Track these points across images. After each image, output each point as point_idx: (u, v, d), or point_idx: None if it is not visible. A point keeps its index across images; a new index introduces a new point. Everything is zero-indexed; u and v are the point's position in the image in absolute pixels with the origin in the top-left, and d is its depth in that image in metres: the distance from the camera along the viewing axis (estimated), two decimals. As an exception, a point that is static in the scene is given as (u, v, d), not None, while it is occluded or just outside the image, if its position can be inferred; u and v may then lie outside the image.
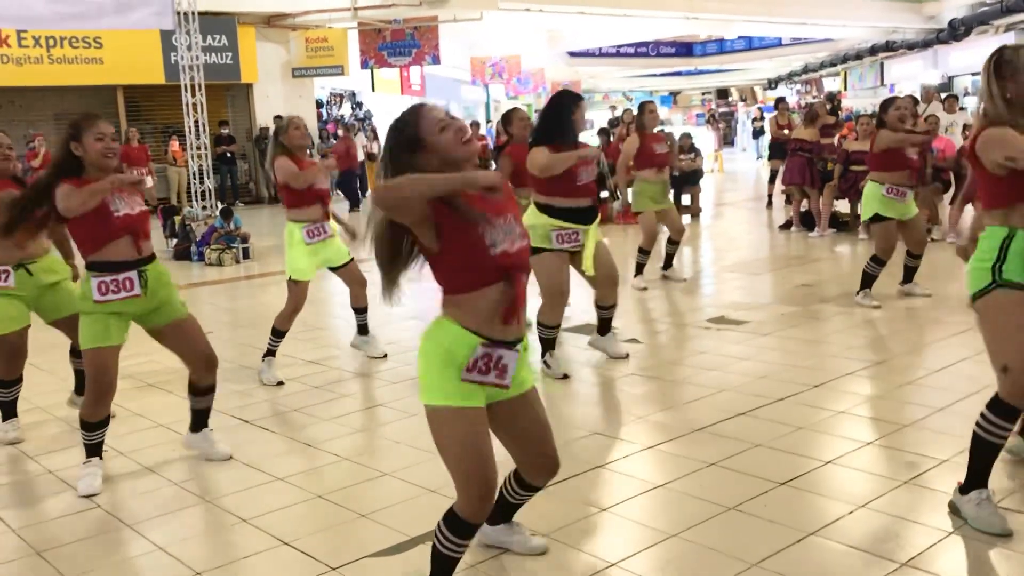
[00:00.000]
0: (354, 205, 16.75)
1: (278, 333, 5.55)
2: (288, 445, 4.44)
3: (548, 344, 5.37)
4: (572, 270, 5.33)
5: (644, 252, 8.09)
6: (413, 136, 2.54)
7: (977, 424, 3.11)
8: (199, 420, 4.25)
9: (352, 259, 5.72)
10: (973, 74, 23.46)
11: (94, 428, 3.97)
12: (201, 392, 4.19)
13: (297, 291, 5.52)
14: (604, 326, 5.68)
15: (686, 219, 13.00)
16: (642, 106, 8.18)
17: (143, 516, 3.62)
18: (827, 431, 4.18)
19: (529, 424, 2.74)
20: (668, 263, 8.36)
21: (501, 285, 2.50)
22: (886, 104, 6.93)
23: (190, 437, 4.29)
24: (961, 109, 13.22)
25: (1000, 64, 3.08)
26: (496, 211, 2.52)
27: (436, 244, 2.47)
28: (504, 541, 3.11)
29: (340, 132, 17.34)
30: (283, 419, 4.87)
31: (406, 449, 4.20)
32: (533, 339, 4.78)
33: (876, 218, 6.72)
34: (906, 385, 4.82)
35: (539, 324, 5.33)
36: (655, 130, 8.11)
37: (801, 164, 11.08)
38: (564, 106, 5.15)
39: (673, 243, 8.29)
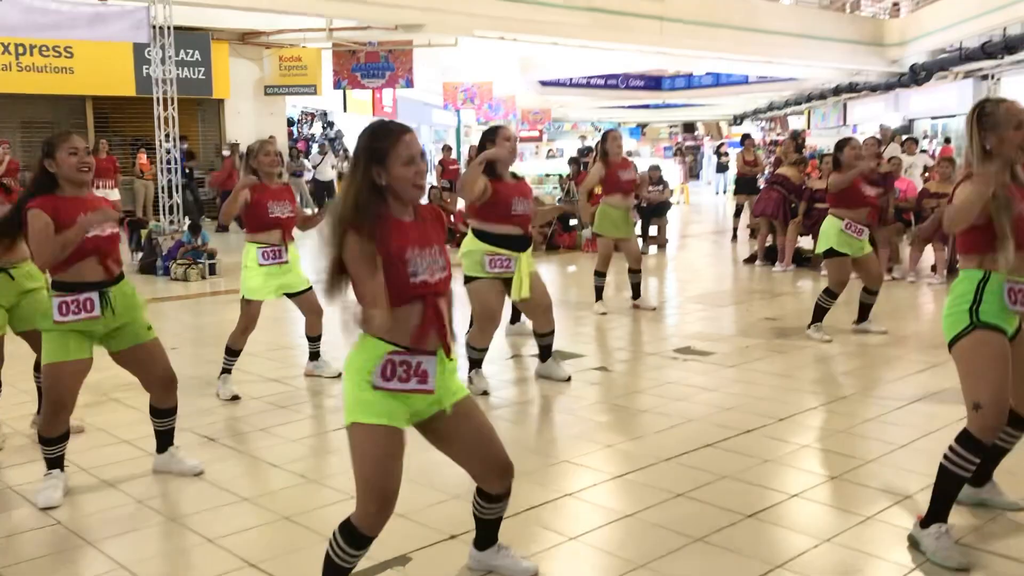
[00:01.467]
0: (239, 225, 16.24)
1: (231, 352, 5.54)
2: (253, 465, 4.40)
3: (475, 363, 5.56)
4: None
5: (599, 275, 8.24)
6: (383, 152, 2.62)
7: (945, 457, 3.20)
8: (164, 440, 4.21)
9: (310, 288, 5.74)
10: (933, 117, 24.05)
11: (53, 443, 3.91)
12: (163, 414, 4.16)
13: (249, 310, 5.53)
14: (545, 353, 5.84)
15: (653, 250, 13.15)
16: (605, 135, 8.33)
17: (104, 534, 3.57)
18: (792, 464, 4.24)
19: (472, 433, 2.80)
20: (636, 293, 8.45)
21: (416, 306, 2.61)
22: (841, 144, 7.11)
23: (158, 459, 4.24)
24: (921, 151, 13.54)
25: (982, 116, 3.24)
26: (423, 242, 2.64)
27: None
28: (494, 565, 3.12)
29: (225, 152, 16.87)
30: (248, 438, 4.83)
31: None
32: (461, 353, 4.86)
33: (830, 252, 6.87)
34: (868, 421, 4.90)
35: (468, 345, 5.53)
36: (622, 156, 8.21)
37: (777, 198, 11.27)
38: (484, 140, 5.38)
39: (635, 272, 8.39)
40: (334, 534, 2.67)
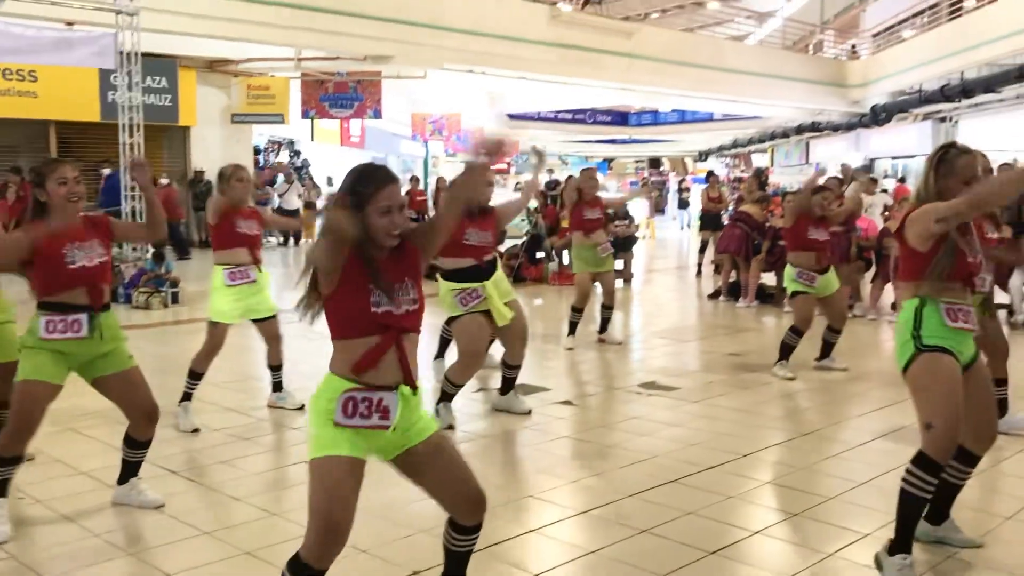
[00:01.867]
0: (182, 254, 15.94)
1: (194, 375, 5.49)
2: (214, 498, 4.34)
3: (446, 396, 5.54)
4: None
5: (576, 311, 8.25)
6: (364, 198, 2.63)
7: (904, 479, 3.29)
8: (128, 471, 4.14)
9: (275, 315, 5.73)
10: (893, 157, 24.55)
11: (5, 463, 3.79)
12: (138, 445, 4.10)
13: (216, 333, 5.50)
14: (507, 385, 5.85)
15: (619, 283, 13.23)
16: (581, 172, 8.42)
17: (61, 568, 3.50)
18: (755, 501, 4.27)
19: (443, 466, 2.79)
20: (603, 327, 8.50)
21: (374, 339, 2.63)
22: (815, 190, 7.25)
23: (118, 491, 4.17)
24: (882, 191, 13.80)
25: (942, 162, 3.40)
26: (394, 277, 2.66)
27: (329, 289, 2.63)
28: None
29: (162, 180, 16.59)
30: (210, 470, 4.77)
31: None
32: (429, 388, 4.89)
33: (796, 292, 7.01)
34: (830, 458, 4.96)
35: (446, 379, 5.53)
36: (594, 195, 8.26)
37: (740, 235, 11.41)
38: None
39: (607, 307, 8.44)
40: (283, 571, 2.64)
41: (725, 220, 14.00)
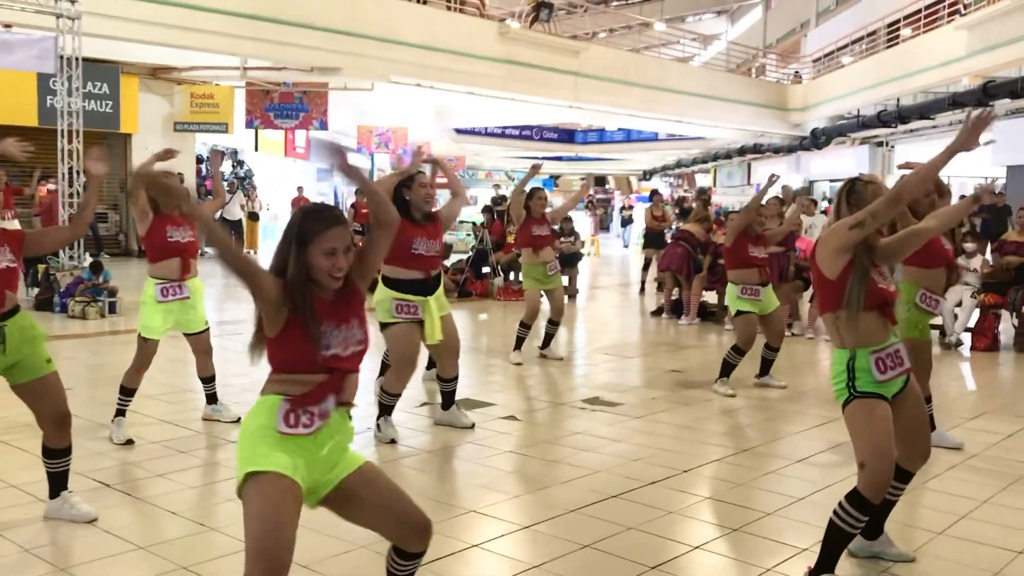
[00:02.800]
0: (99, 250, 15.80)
1: (126, 391, 5.37)
2: (149, 512, 4.25)
3: (385, 410, 5.52)
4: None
5: (524, 326, 8.26)
6: (305, 238, 2.61)
7: (835, 513, 3.33)
8: (57, 484, 4.04)
9: (207, 329, 5.66)
10: (831, 180, 25.14)
11: None
12: (56, 455, 4.00)
13: (146, 348, 5.39)
14: (448, 400, 5.85)
15: (563, 299, 13.28)
16: (532, 192, 8.38)
17: (-13, 584, 3.39)
18: (695, 516, 4.31)
19: (379, 498, 2.71)
20: (546, 343, 8.53)
21: (322, 377, 2.60)
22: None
23: (50, 505, 4.05)
24: (822, 213, 14.11)
25: (851, 193, 3.50)
26: (340, 319, 2.63)
27: (275, 330, 2.59)
28: None
29: (49, 186, 16.14)
30: (144, 484, 4.66)
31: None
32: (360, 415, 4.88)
33: (738, 312, 7.12)
34: (769, 474, 5.03)
35: (382, 390, 5.51)
36: (542, 212, 8.28)
37: (682, 254, 11.55)
38: (400, 186, 5.42)
39: (553, 323, 8.46)
40: None
41: (668, 239, 14.18)
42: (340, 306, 2.66)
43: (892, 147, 22.41)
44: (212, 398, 5.83)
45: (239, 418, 5.70)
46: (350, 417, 2.74)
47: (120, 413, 5.36)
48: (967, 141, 3.22)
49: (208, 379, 5.76)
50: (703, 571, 3.67)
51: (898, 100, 19.44)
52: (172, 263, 5.41)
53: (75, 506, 4.03)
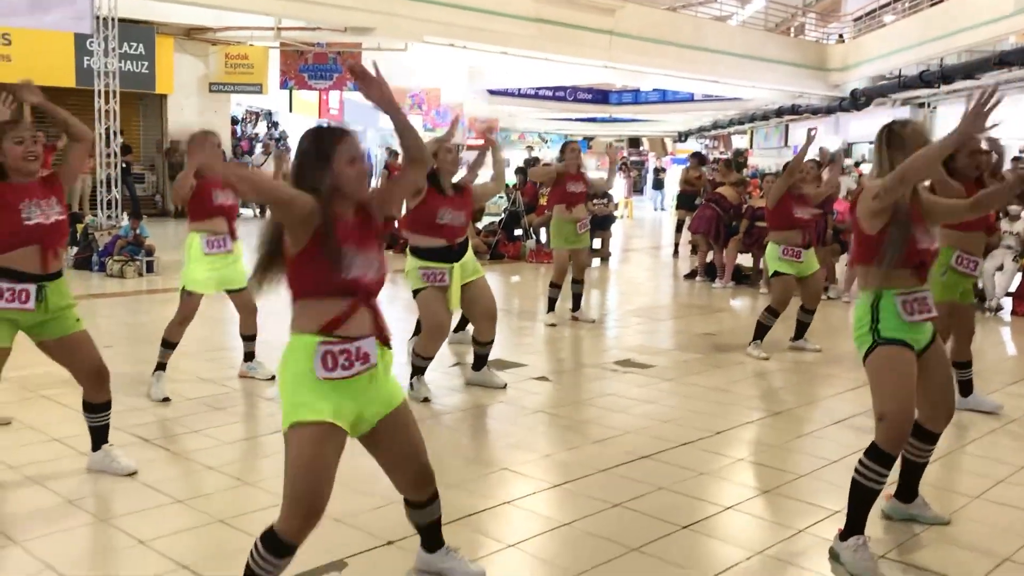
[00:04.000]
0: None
1: (168, 344, 5.47)
2: (187, 466, 4.32)
3: (418, 370, 5.57)
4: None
5: (554, 286, 8.26)
6: (326, 154, 2.63)
7: (856, 471, 3.31)
8: (98, 438, 4.13)
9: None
10: (871, 142, 24.68)
11: None
12: (95, 409, 4.08)
13: (189, 302, 5.47)
14: (480, 361, 5.88)
15: (596, 262, 13.25)
16: (564, 145, 8.38)
17: (32, 533, 3.47)
18: (727, 477, 4.31)
19: (404, 445, 2.81)
20: (576, 304, 8.50)
21: (346, 300, 2.61)
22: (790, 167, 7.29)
23: (92, 457, 4.15)
24: (846, 173, 13.90)
25: (891, 137, 3.38)
26: (362, 245, 2.64)
27: (299, 247, 2.58)
28: (442, 568, 3.11)
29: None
30: (183, 439, 4.74)
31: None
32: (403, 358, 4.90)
33: (776, 273, 7.05)
34: (802, 436, 5.01)
35: (415, 352, 5.57)
36: (576, 168, 8.20)
37: (711, 216, 11.43)
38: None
39: (577, 282, 8.42)
40: (255, 544, 2.60)
41: (699, 201, 14.06)
42: (360, 229, 2.67)
43: (934, 108, 21.93)
44: (250, 356, 5.90)
45: (274, 376, 5.77)
46: (389, 347, 2.75)
47: (160, 367, 5.45)
48: (972, 126, 3.08)
49: (249, 337, 5.84)
50: (735, 531, 3.67)
51: (941, 60, 18.98)
52: (218, 221, 5.49)
53: (116, 459, 4.11)
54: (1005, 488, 4.18)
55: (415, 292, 5.54)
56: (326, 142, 2.64)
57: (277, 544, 2.57)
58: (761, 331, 7.02)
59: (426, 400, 5.45)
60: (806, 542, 3.55)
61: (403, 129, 2.74)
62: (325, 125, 2.77)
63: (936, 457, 4.51)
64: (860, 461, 3.30)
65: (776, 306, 6.98)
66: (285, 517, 2.55)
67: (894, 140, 3.36)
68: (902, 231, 3.26)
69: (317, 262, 2.58)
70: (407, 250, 5.62)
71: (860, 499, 3.31)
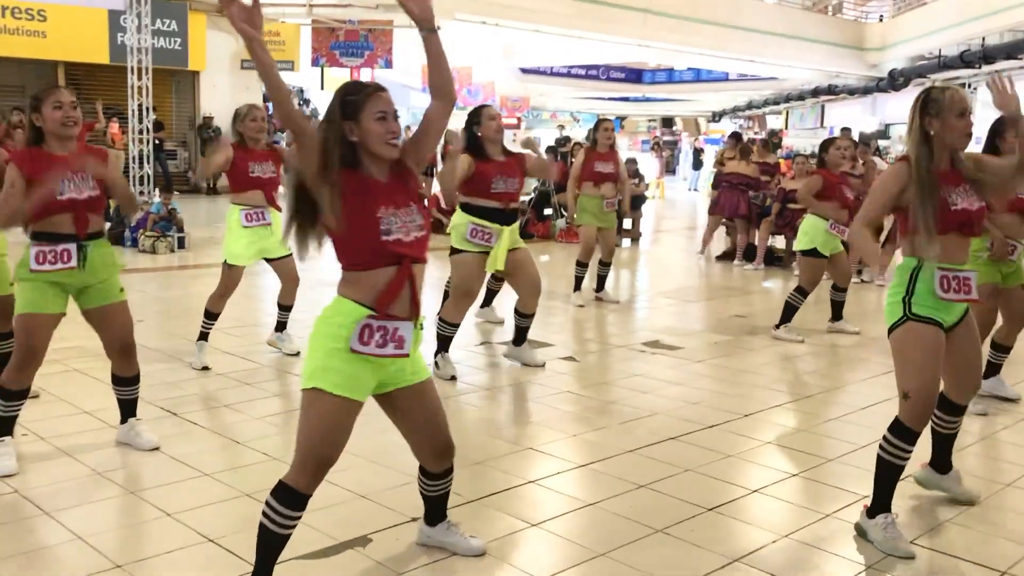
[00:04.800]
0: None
1: (210, 315, 5.57)
2: (216, 440, 4.36)
3: (443, 343, 5.54)
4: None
5: (581, 265, 8.23)
6: (356, 106, 2.61)
7: (880, 447, 3.31)
8: (126, 411, 4.18)
9: (291, 254, 5.70)
10: (909, 124, 24.30)
11: (13, 397, 3.85)
12: (124, 382, 4.12)
13: (231, 275, 5.55)
14: (520, 336, 5.87)
15: (626, 243, 13.18)
16: (597, 123, 8.28)
17: (61, 504, 3.52)
18: (754, 460, 4.27)
19: (425, 413, 2.84)
20: (600, 285, 8.44)
21: (392, 269, 2.61)
22: (826, 144, 7.18)
23: (121, 430, 4.21)
24: (876, 152, 13.69)
25: (928, 102, 3.30)
26: (398, 202, 2.62)
27: (336, 222, 2.56)
28: (443, 542, 3.16)
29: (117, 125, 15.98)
30: (212, 414, 4.79)
31: (337, 452, 4.15)
32: (429, 334, 4.85)
33: (808, 252, 6.92)
34: (831, 420, 4.95)
35: (440, 319, 5.54)
36: (608, 148, 8.11)
37: (734, 197, 11.36)
38: (471, 123, 5.51)
39: (604, 264, 8.37)
40: (267, 502, 2.66)
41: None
42: (395, 190, 2.65)
43: (975, 89, 21.51)
44: (282, 326, 5.94)
45: (299, 352, 5.81)
46: (421, 327, 2.76)
47: (203, 336, 5.56)
48: (1005, 103, 3.19)
49: (286, 307, 5.88)
50: (761, 515, 3.63)
51: (983, 39, 18.59)
52: (255, 194, 5.53)
53: (140, 434, 4.16)
54: (1039, 476, 4.11)
55: (453, 251, 5.50)
56: (359, 97, 2.61)
57: (290, 495, 2.63)
58: (790, 312, 6.91)
59: (452, 378, 5.44)
60: (833, 527, 3.51)
61: (436, 58, 2.77)
62: (355, 81, 2.76)
63: (968, 444, 4.47)
64: (884, 436, 3.30)
65: (806, 286, 6.88)
66: (297, 470, 2.63)
67: (931, 106, 3.27)
68: (924, 193, 3.20)
69: (355, 232, 2.58)
70: (458, 208, 5.56)
71: (885, 475, 3.30)
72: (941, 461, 3.71)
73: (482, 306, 7.16)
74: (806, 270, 7.00)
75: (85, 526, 3.32)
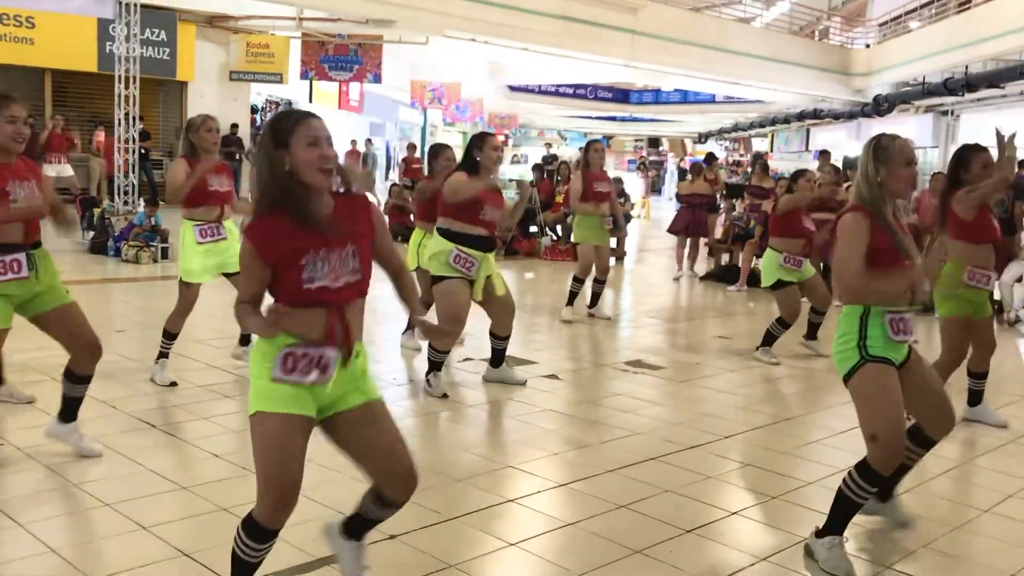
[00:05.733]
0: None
1: (169, 335, 5.44)
2: (192, 453, 4.32)
3: (434, 366, 5.51)
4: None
5: (578, 281, 8.33)
6: (286, 134, 2.50)
7: (844, 482, 3.30)
8: (72, 409, 4.11)
9: None
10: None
11: None
12: (80, 380, 4.07)
13: (188, 293, 5.44)
14: (498, 358, 5.82)
15: (611, 261, 13.18)
16: (588, 144, 8.46)
17: (34, 515, 3.47)
18: (734, 482, 4.27)
19: (375, 436, 2.66)
20: (594, 301, 8.53)
21: (318, 311, 2.53)
22: (797, 174, 7.29)
23: (58, 427, 4.11)
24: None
25: (878, 149, 3.31)
26: (330, 244, 2.52)
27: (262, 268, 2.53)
28: (344, 558, 2.96)
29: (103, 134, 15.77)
30: (188, 426, 4.74)
31: (314, 468, 4.12)
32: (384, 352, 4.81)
33: (778, 284, 6.98)
34: (811, 443, 4.96)
35: (430, 347, 5.49)
36: (601, 167, 8.36)
37: (690, 215, 12.12)
38: (472, 146, 5.48)
39: (599, 282, 8.48)
40: (237, 530, 2.61)
41: (721, 203, 14.02)
42: (332, 230, 2.53)
43: (958, 116, 21.75)
44: (245, 340, 5.89)
45: None
46: (356, 355, 2.65)
47: (163, 355, 5.43)
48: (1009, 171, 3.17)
49: None
50: (740, 537, 3.63)
51: (967, 67, 18.80)
52: (210, 209, 5.43)
53: (83, 438, 4.11)
54: (1016, 503, 4.12)
55: (435, 279, 5.47)
56: (287, 124, 2.51)
57: (256, 530, 2.57)
58: (770, 339, 6.98)
59: (444, 396, 5.42)
60: (812, 550, 3.50)
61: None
62: (285, 109, 2.70)
63: (946, 469, 4.48)
64: (849, 474, 3.28)
65: (787, 318, 6.91)
66: (259, 503, 2.54)
67: (879, 153, 3.30)
68: (892, 236, 3.24)
69: (280, 276, 2.52)
70: (436, 235, 5.52)
71: (843, 508, 3.30)
72: (884, 490, 3.64)
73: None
74: (780, 302, 7.04)
75: (57, 538, 3.28)
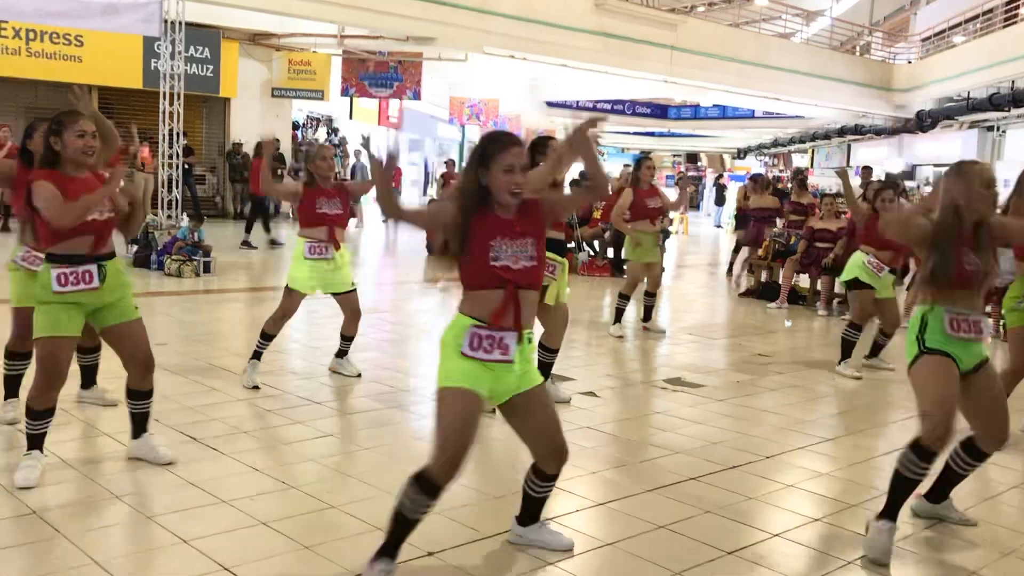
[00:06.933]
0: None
1: (266, 336, 5.75)
2: (234, 467, 4.35)
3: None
4: None
5: (624, 297, 8.40)
6: (489, 157, 3.04)
7: (899, 461, 3.51)
8: (140, 425, 4.23)
9: (354, 289, 5.96)
10: (936, 164, 24.19)
11: (39, 417, 3.92)
12: (141, 396, 4.18)
13: (291, 299, 5.77)
14: (545, 371, 5.76)
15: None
16: (639, 161, 8.51)
17: (79, 527, 3.52)
18: (776, 503, 4.21)
19: (543, 417, 3.18)
20: (648, 315, 8.66)
21: (497, 292, 3.02)
22: (877, 191, 7.24)
23: (133, 444, 4.25)
24: (903, 194, 13.68)
25: (957, 169, 3.62)
26: (514, 235, 3.04)
27: (460, 249, 3.05)
28: (535, 539, 3.45)
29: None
30: (232, 440, 4.78)
31: (355, 484, 4.14)
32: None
33: (855, 283, 6.99)
34: (855, 464, 4.88)
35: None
36: (651, 184, 8.38)
37: (759, 228, 12.10)
38: (533, 151, 5.44)
39: (650, 295, 8.63)
40: (404, 488, 2.97)
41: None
42: (517, 224, 3.05)
43: (1003, 132, 21.41)
44: (342, 353, 6.13)
45: (359, 374, 6.07)
46: (529, 341, 3.12)
47: (256, 356, 5.74)
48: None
49: (347, 338, 6.07)
50: (782, 560, 3.57)
51: (1012, 83, 18.53)
52: (319, 230, 5.74)
53: (155, 448, 4.23)
54: (1068, 528, 4.02)
55: None
56: (490, 149, 3.03)
57: (425, 483, 2.95)
58: (847, 348, 7.04)
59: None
60: (854, 574, 3.44)
61: (594, 170, 3.23)
62: (498, 133, 3.15)
63: (1017, 483, 4.41)
64: (903, 454, 3.49)
65: (857, 320, 7.00)
66: (434, 461, 2.95)
67: (954, 172, 3.61)
68: (941, 254, 3.50)
69: (472, 257, 3.02)
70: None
71: (898, 487, 3.51)
72: (938, 492, 3.89)
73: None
74: (853, 301, 7.19)
75: (99, 549, 3.31)
